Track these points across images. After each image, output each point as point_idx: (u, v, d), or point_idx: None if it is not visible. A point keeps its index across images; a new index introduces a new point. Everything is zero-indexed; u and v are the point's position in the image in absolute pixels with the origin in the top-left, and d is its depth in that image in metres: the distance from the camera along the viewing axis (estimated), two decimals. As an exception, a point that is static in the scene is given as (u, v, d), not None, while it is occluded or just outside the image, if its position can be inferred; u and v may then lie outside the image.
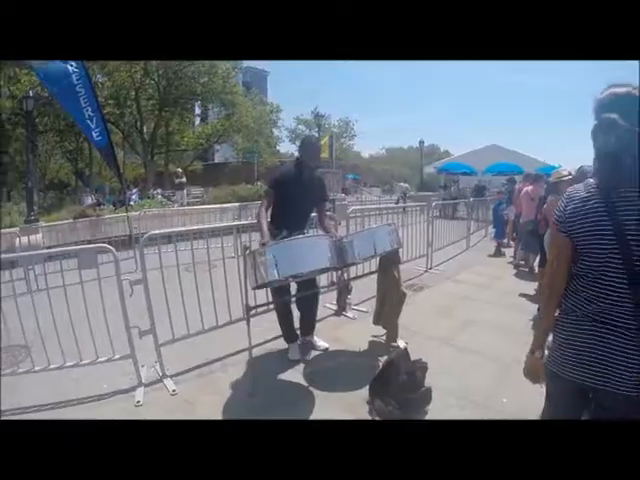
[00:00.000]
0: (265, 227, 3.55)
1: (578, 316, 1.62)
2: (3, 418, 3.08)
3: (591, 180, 1.61)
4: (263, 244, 3.27)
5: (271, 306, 4.21)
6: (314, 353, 4.15)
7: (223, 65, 27.61)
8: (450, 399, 3.29)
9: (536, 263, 6.86)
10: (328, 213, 4.16)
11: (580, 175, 3.93)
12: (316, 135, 28.41)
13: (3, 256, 4.16)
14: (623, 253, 1.47)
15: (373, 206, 10.46)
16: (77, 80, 7.64)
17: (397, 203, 18.43)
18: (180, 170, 22.04)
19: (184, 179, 20.13)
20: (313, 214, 4.23)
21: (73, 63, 7.52)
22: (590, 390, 1.60)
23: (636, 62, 1.59)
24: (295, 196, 3.78)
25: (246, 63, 32.89)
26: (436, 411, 3.11)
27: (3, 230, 9.34)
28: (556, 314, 1.76)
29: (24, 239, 8.28)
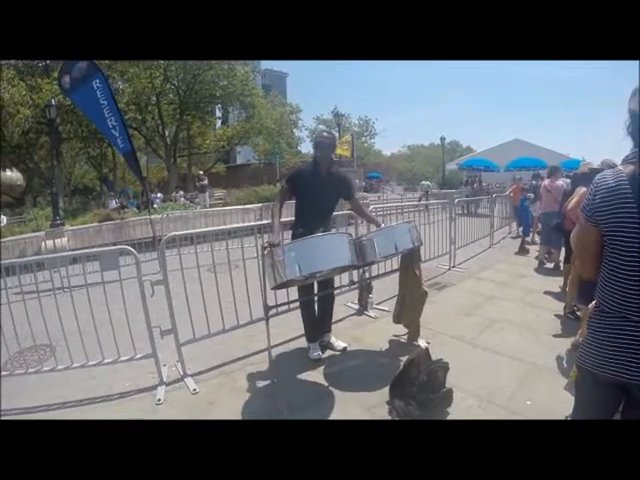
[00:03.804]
0: (277, 225, 3.57)
1: (613, 314, 1.54)
2: (31, 416, 3.16)
3: (620, 167, 1.53)
4: (271, 245, 3.26)
5: (292, 305, 4.21)
6: (334, 353, 4.13)
7: (242, 68, 27.89)
8: (472, 400, 3.23)
9: (561, 258, 6.74)
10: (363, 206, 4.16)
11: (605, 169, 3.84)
12: (331, 130, 28.44)
13: (29, 259, 4.24)
14: None
15: (394, 204, 10.34)
16: (100, 94, 7.90)
17: (420, 201, 18.32)
18: (202, 173, 22.33)
19: (206, 181, 20.40)
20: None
21: (97, 79, 7.80)
22: (625, 386, 1.53)
23: (636, 62, 1.55)
24: (314, 195, 3.77)
25: (264, 65, 33.07)
26: (457, 412, 3.05)
27: (30, 234, 9.59)
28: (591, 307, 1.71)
29: (49, 242, 8.50)
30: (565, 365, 3.59)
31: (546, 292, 6.00)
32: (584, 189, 4.24)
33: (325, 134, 4.08)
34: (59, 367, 3.62)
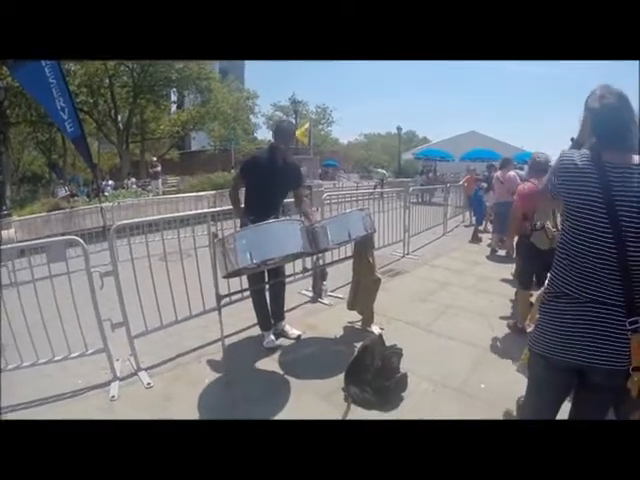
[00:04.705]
0: (240, 212, 3.81)
1: (569, 297, 1.59)
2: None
3: (586, 151, 1.59)
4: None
5: (245, 294, 4.18)
6: (289, 341, 4.13)
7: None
8: (426, 385, 3.30)
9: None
10: (305, 199, 4.13)
11: (534, 163, 3.99)
12: (292, 120, 28.32)
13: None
14: (614, 232, 1.45)
15: (350, 192, 10.37)
16: (49, 72, 7.52)
17: (375, 189, 18.43)
18: (155, 159, 21.82)
19: (159, 168, 19.98)
20: (287, 200, 4.25)
21: (46, 57, 7.41)
22: (578, 368, 1.58)
23: (636, 62, 1.61)
24: (267, 181, 3.71)
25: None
26: (412, 397, 3.11)
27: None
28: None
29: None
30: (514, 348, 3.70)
31: (499, 279, 6.19)
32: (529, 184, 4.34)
33: (287, 122, 4.07)
34: (9, 367, 3.43)
